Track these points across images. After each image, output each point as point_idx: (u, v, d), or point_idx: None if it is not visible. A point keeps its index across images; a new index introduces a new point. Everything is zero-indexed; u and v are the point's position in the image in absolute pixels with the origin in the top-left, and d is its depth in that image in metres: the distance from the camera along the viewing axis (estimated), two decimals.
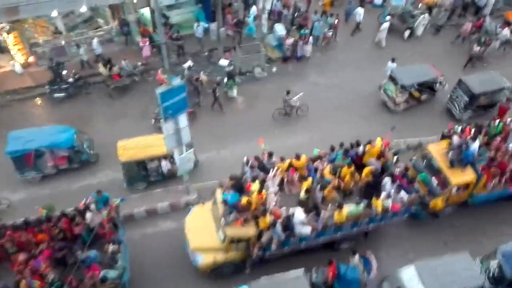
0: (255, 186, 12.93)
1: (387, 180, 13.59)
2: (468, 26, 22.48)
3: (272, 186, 13.26)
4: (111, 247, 12.11)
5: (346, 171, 13.60)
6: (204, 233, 13.15)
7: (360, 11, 22.95)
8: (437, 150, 14.92)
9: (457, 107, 18.77)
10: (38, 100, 19.68)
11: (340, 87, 20.25)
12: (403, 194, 13.47)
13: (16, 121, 18.38)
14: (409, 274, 12.17)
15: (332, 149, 14.59)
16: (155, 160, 15.45)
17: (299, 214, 12.51)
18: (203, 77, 19.37)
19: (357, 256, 12.85)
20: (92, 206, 12.81)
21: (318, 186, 13.14)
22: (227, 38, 22.15)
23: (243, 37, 22.24)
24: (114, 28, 21.62)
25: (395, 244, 14.62)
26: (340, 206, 12.74)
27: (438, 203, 14.20)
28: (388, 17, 22.62)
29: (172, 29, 21.29)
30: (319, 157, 14.44)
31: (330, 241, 13.73)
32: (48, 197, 15.13)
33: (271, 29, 22.44)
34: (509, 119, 16.50)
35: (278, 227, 12.23)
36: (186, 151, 13.99)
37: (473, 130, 15.45)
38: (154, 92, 12.18)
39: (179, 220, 14.25)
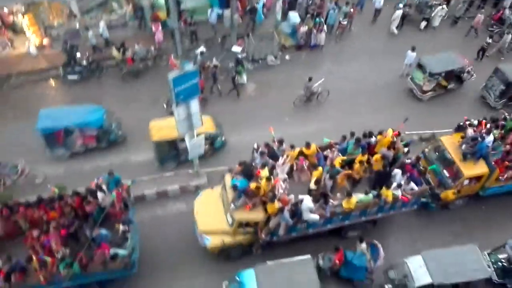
0: (264, 172, 12.98)
1: (397, 171, 13.53)
2: (479, 18, 22.05)
3: (281, 173, 13.29)
4: (121, 227, 12.31)
5: (360, 158, 13.55)
6: (213, 216, 13.33)
7: None
8: (450, 142, 14.82)
9: (492, 96, 18.72)
10: (52, 82, 19.92)
11: (354, 77, 20.10)
12: (413, 185, 13.42)
13: (30, 102, 18.68)
14: (416, 263, 12.20)
15: (344, 138, 14.54)
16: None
17: (307, 201, 12.56)
18: (215, 63, 19.36)
19: (364, 244, 12.89)
20: (104, 187, 12.99)
21: (328, 175, 13.11)
22: (240, 25, 22.05)
23: (256, 25, 22.12)
24: (128, 12, 21.66)
25: (404, 234, 14.62)
26: (349, 195, 12.76)
27: (449, 194, 14.14)
28: (400, 5, 22.31)
29: (186, 14, 21.27)
30: (330, 146, 14.41)
31: (337, 228, 13.76)
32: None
33: (285, 16, 22.26)
34: None
35: (286, 213, 12.31)
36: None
37: (488, 124, 15.26)
38: (167, 77, 12.24)
39: (189, 203, 14.44)
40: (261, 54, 20.60)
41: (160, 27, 20.61)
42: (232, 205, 12.74)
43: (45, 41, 20.86)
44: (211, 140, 16.15)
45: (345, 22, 22.07)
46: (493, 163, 14.26)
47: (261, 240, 13.01)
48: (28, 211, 12.59)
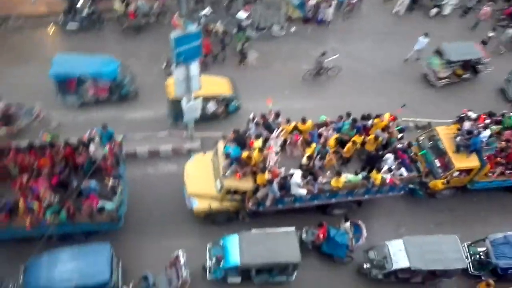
0: (257, 143, 13.00)
1: (390, 156, 13.62)
2: (485, 10, 21.67)
3: (274, 146, 13.30)
4: (111, 181, 12.35)
5: (355, 138, 13.60)
6: (202, 180, 13.42)
7: None
8: (445, 133, 14.86)
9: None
10: (50, 29, 19.45)
11: (359, 57, 19.84)
12: (403, 170, 13.55)
13: (27, 47, 18.32)
14: (396, 246, 12.47)
15: (341, 118, 14.51)
16: (201, 99, 15.40)
17: (296, 176, 12.65)
18: (219, 27, 19.01)
19: (348, 223, 13.11)
20: (96, 139, 12.92)
21: (318, 156, 13.14)
22: None
23: None
24: None
25: (388, 217, 14.84)
26: (338, 174, 12.87)
27: (438, 184, 14.31)
28: None
29: None
30: (325, 124, 14.39)
31: (323, 205, 13.93)
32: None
33: None
34: None
35: (275, 185, 12.41)
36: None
37: (487, 119, 15.28)
38: (168, 36, 11.99)
39: (180, 165, 14.50)
40: (267, 23, 20.21)
41: None
42: (226, 173, 12.76)
43: None
44: (226, 102, 16.08)
45: (355, 0, 21.63)
46: (485, 158, 14.36)
47: (247, 209, 13.16)
48: (19, 156, 12.55)
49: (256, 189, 12.87)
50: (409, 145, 14.18)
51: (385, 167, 13.31)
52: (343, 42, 20.51)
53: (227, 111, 16.40)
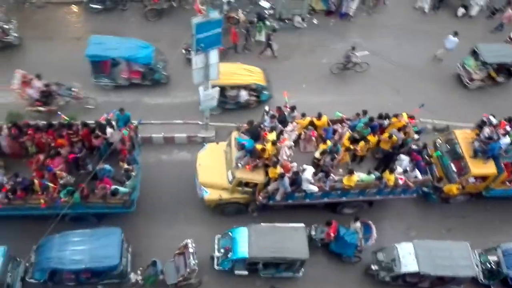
0: (271, 136, 12.95)
1: (405, 157, 13.43)
2: (509, 13, 21.00)
3: (288, 139, 13.23)
4: (125, 165, 12.46)
5: (370, 138, 13.47)
6: (214, 170, 13.46)
7: None
8: (464, 137, 14.59)
9: None
10: (74, 8, 19.52)
11: (381, 53, 19.45)
12: (417, 172, 13.37)
13: (50, 24, 18.49)
14: (406, 249, 12.38)
15: (357, 115, 14.32)
16: (235, 89, 15.67)
17: (308, 173, 12.58)
18: (240, 15, 18.82)
19: (358, 223, 13.05)
20: (113, 123, 13.02)
21: (329, 157, 13.04)
22: None
23: None
24: None
25: (399, 220, 14.74)
26: (350, 172, 12.74)
27: (452, 189, 14.07)
28: None
29: None
30: (341, 121, 14.24)
31: (333, 203, 13.87)
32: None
33: None
34: None
35: (286, 180, 12.36)
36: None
37: (508, 126, 14.91)
38: (190, 22, 11.88)
39: (193, 153, 14.55)
40: (289, 14, 19.94)
41: None
42: (239, 165, 12.75)
43: None
44: (258, 92, 16.08)
45: None
46: (502, 165, 14.07)
47: (257, 202, 13.18)
48: (37, 134, 12.73)
49: (267, 182, 12.86)
50: (425, 146, 13.96)
51: (399, 169, 13.15)
52: (365, 37, 20.13)
53: (259, 100, 16.37)
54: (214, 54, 12.99)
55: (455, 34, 18.62)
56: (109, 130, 12.83)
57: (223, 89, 15.58)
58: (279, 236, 12.11)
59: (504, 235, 14.26)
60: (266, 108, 14.40)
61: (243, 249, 11.92)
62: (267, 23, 18.88)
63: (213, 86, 14.51)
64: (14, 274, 11.77)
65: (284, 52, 18.95)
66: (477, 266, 12.82)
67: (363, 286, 13.23)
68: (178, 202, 14.14)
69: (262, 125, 13.71)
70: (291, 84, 16.94)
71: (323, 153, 13.14)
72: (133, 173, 12.48)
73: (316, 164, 13.28)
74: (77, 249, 11.54)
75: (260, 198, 12.98)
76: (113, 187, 12.07)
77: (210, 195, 13.29)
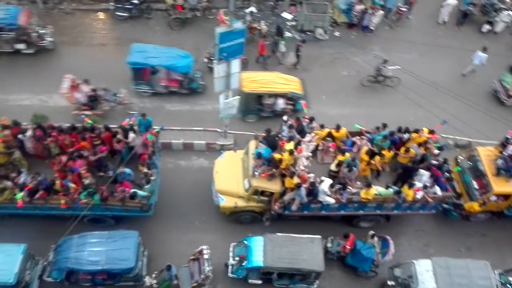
0: (289, 145, 12.95)
1: (425, 172, 13.25)
2: None
3: (305, 150, 13.22)
4: (145, 170, 12.63)
5: (386, 152, 13.33)
6: (230, 178, 13.52)
7: None
8: (486, 154, 14.29)
9: None
10: (101, 15, 20.07)
11: (403, 67, 19.29)
12: (437, 188, 13.16)
13: (77, 29, 19.13)
14: (424, 266, 12.12)
15: (377, 128, 14.22)
16: (273, 97, 15.91)
17: (325, 185, 12.52)
18: (263, 26, 19.03)
19: (376, 238, 12.88)
20: (136, 128, 13.25)
21: (347, 169, 12.96)
22: None
23: None
24: None
25: (418, 236, 14.50)
26: (368, 185, 12.63)
27: (474, 206, 13.80)
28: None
29: None
30: (360, 133, 14.17)
31: (350, 216, 13.75)
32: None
33: None
34: None
35: (303, 190, 12.32)
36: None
37: None
38: (213, 31, 12.08)
39: (211, 160, 14.68)
40: (311, 26, 20.07)
41: None
42: (255, 173, 12.79)
43: None
44: (294, 101, 16.27)
45: (404, 9, 21.12)
46: None
47: (273, 211, 13.16)
48: (60, 136, 13.03)
49: (283, 192, 12.85)
50: (445, 162, 13.75)
51: (419, 184, 12.97)
52: (387, 51, 20.05)
53: (295, 109, 16.53)
54: (235, 64, 13.15)
55: (484, 49, 18.41)
56: (131, 135, 13.07)
57: (260, 97, 15.94)
58: (295, 247, 12.02)
59: None
60: (285, 118, 14.45)
61: (258, 258, 11.89)
62: (286, 36, 19.01)
63: (249, 93, 14.83)
64: (32, 272, 11.98)
65: (304, 63, 19.04)
66: (496, 286, 12.42)
67: None
68: (194, 208, 14.23)
69: (280, 135, 13.75)
70: (311, 95, 17.00)
71: (338, 165, 13.05)
72: (152, 178, 12.63)
73: (332, 176, 13.22)
74: (95, 250, 11.69)
75: (276, 207, 12.95)
76: (132, 190, 12.24)
77: (226, 202, 13.33)
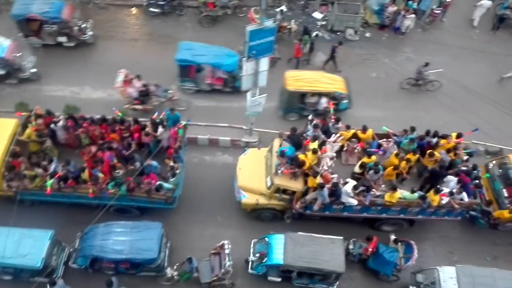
0: (313, 145, 12.91)
1: (453, 178, 12.94)
2: None
3: (330, 150, 13.12)
4: (171, 163, 12.85)
5: (410, 156, 13.11)
6: (253, 175, 13.59)
7: None
8: None
9: None
10: (134, 10, 20.50)
11: (432, 70, 18.90)
12: (464, 195, 12.82)
13: (109, 24, 19.59)
14: (448, 273, 11.86)
15: (405, 131, 13.97)
16: (316, 96, 15.96)
17: (349, 186, 12.42)
18: (292, 25, 19.01)
19: (399, 243, 12.71)
20: (165, 122, 13.51)
21: (372, 171, 12.79)
22: None
23: None
24: None
25: (442, 242, 14.22)
26: (393, 189, 12.44)
27: (504, 214, 13.40)
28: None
29: None
30: (387, 136, 13.97)
31: (372, 219, 13.59)
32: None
33: None
34: None
35: (326, 190, 12.24)
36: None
37: None
38: (242, 29, 12.16)
39: (235, 157, 14.80)
40: (341, 26, 19.90)
41: None
42: (278, 171, 12.79)
43: None
44: (337, 101, 16.23)
45: (438, 11, 20.64)
46: None
47: (294, 210, 13.15)
48: (91, 127, 13.41)
49: (305, 192, 12.81)
50: (474, 168, 13.39)
51: (446, 190, 12.68)
52: (418, 53, 19.67)
53: (337, 109, 16.43)
54: (264, 62, 13.17)
55: None
56: (160, 129, 13.33)
57: (303, 96, 15.96)
58: (316, 247, 11.98)
59: None
60: (310, 117, 14.40)
61: (278, 256, 11.92)
62: (313, 35, 18.86)
63: (293, 91, 15.01)
64: (58, 258, 12.37)
65: (333, 63, 18.88)
66: None
67: None
68: (217, 203, 14.39)
69: (304, 134, 13.72)
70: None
71: (362, 166, 12.91)
72: (178, 171, 12.83)
73: (355, 178, 13.08)
74: (119, 239, 11.97)
75: (297, 206, 12.93)
76: (158, 183, 12.47)
77: (248, 199, 13.42)
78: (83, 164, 12.86)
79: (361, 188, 12.62)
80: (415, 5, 20.06)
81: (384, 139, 13.80)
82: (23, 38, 17.80)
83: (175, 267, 12.33)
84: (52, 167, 12.63)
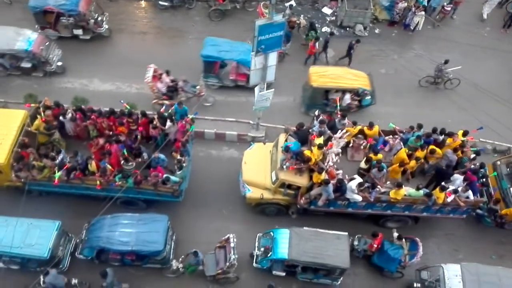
0: (318, 140, 12.91)
1: (459, 176, 12.89)
2: None
3: (336, 146, 13.11)
4: (178, 156, 12.93)
5: (418, 154, 13.05)
6: (258, 169, 13.64)
7: None
8: None
9: None
10: (143, 3, 20.51)
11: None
12: (470, 193, 12.75)
13: (119, 16, 19.63)
14: (452, 271, 11.85)
15: (412, 128, 13.93)
16: (340, 92, 15.95)
17: (354, 183, 12.41)
18: (302, 20, 18.94)
19: (404, 240, 12.68)
20: (173, 116, 13.58)
21: (375, 169, 12.76)
22: None
23: None
24: None
25: (448, 240, 14.20)
26: (399, 186, 12.40)
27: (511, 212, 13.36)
28: None
29: None
30: (393, 132, 13.92)
31: (377, 215, 13.58)
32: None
33: None
34: None
35: (330, 186, 12.25)
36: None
37: None
38: (251, 23, 12.11)
39: (241, 151, 14.84)
40: (351, 22, 19.79)
41: None
42: (283, 166, 12.81)
43: None
44: (361, 97, 16.19)
45: (449, 8, 20.43)
46: None
47: (298, 205, 13.18)
48: (99, 119, 13.49)
49: (310, 187, 12.83)
50: (482, 167, 13.30)
51: (452, 188, 12.62)
52: (428, 50, 19.53)
53: (361, 105, 16.44)
54: (273, 57, 13.15)
55: None
56: (169, 123, 13.39)
57: (327, 92, 15.93)
58: (321, 242, 12.02)
59: None
60: (316, 112, 14.38)
61: (283, 250, 11.97)
62: (319, 31, 18.82)
63: (317, 87, 15.03)
64: (65, 249, 12.52)
65: (348, 60, 18.71)
66: None
67: None
68: (223, 197, 14.46)
69: (311, 129, 13.71)
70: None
71: (367, 161, 12.87)
72: (185, 164, 12.90)
73: (361, 174, 13.06)
74: (126, 231, 12.06)
75: (302, 202, 12.96)
76: (165, 175, 12.55)
77: (252, 193, 13.47)
78: (91, 156, 12.95)
79: (366, 184, 12.63)
80: (425, 2, 19.88)
81: (391, 136, 13.76)
82: (39, 30, 17.75)
83: (180, 259, 12.43)
84: (59, 158, 12.74)
